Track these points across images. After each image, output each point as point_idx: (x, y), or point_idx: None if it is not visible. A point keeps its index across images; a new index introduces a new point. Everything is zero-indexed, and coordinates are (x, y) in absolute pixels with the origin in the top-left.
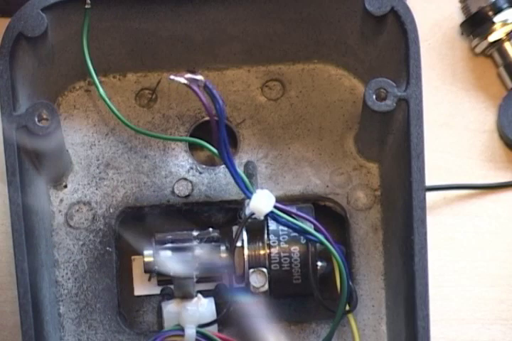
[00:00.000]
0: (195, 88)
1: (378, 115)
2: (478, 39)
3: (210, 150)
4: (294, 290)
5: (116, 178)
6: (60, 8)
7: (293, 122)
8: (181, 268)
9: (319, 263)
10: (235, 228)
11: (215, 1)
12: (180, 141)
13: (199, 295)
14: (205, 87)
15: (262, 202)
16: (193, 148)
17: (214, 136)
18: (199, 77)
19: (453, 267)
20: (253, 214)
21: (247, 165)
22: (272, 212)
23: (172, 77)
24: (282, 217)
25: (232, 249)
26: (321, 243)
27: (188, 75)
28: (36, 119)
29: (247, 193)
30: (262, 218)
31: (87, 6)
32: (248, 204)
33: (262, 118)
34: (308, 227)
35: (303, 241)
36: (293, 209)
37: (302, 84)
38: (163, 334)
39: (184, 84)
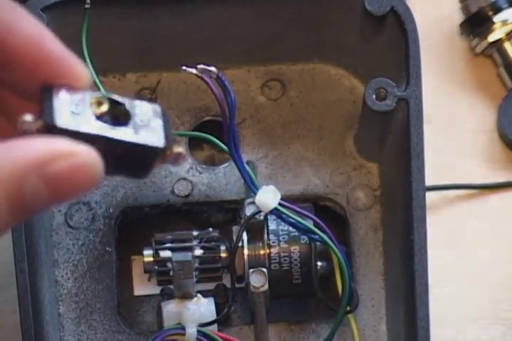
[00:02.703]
0: (207, 79)
1: (378, 115)
2: (478, 39)
3: (216, 144)
4: (294, 290)
5: (116, 178)
6: (60, 8)
7: (293, 122)
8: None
9: (319, 263)
10: (234, 228)
11: (215, 1)
12: (186, 135)
13: (199, 295)
14: (218, 79)
15: (268, 197)
16: (192, 148)
17: (224, 128)
18: (212, 68)
19: (453, 267)
20: (255, 213)
21: (247, 165)
22: (276, 209)
23: (184, 67)
24: (286, 215)
25: (233, 249)
26: (325, 242)
27: (201, 66)
28: None
29: (253, 188)
30: (262, 217)
31: (86, 6)
32: (248, 204)
33: (262, 118)
34: (312, 226)
35: (303, 241)
36: (296, 207)
37: (302, 84)
38: (164, 333)
39: (195, 75)
